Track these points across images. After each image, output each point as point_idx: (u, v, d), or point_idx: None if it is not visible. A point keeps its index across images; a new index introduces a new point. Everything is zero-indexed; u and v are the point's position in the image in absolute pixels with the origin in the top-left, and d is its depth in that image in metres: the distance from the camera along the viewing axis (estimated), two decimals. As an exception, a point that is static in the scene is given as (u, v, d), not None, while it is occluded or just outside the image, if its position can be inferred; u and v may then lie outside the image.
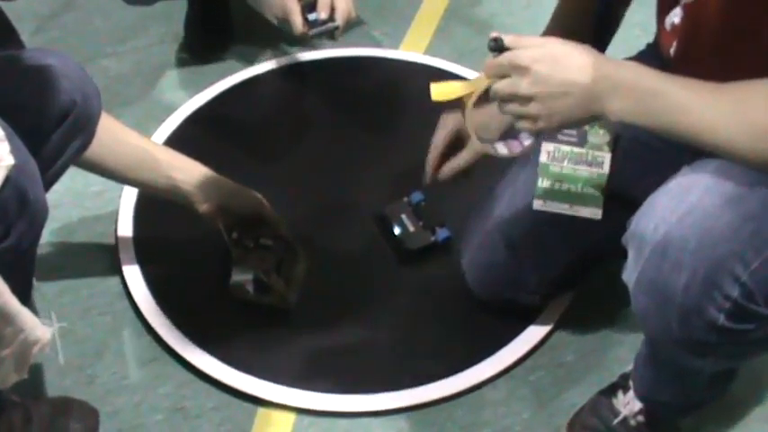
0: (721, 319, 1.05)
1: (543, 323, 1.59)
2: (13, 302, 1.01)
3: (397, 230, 1.67)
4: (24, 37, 1.37)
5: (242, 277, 1.54)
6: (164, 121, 1.93)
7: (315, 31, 1.78)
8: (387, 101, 2.03)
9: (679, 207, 1.05)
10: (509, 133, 1.26)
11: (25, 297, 1.18)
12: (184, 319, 1.57)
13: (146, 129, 1.87)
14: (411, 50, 2.17)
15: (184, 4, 2.14)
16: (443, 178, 1.48)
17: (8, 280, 1.01)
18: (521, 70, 1.07)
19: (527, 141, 1.24)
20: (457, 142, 1.48)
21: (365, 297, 1.64)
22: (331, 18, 1.74)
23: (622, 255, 1.50)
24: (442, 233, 1.67)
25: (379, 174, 1.84)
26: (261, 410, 1.48)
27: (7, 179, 0.99)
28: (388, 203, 1.72)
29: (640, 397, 1.37)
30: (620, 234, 1.36)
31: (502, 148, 1.26)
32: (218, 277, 1.58)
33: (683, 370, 1.25)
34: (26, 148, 1.05)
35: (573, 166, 1.41)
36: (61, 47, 2.11)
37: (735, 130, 1.01)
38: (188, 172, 1.53)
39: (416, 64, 2.13)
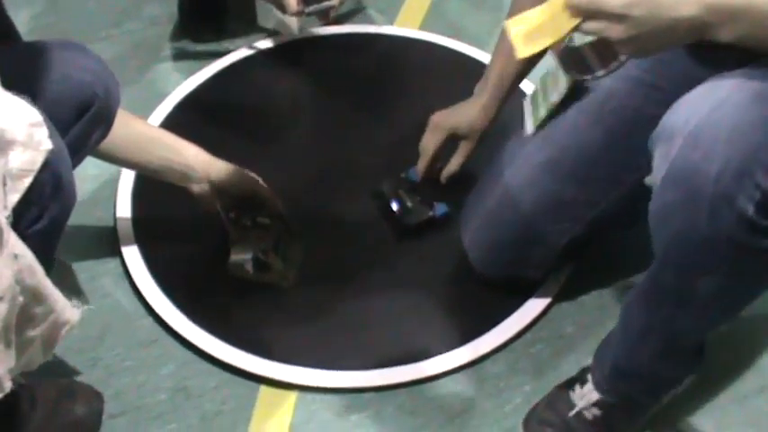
0: (751, 210, 1.01)
1: (542, 296, 1.60)
2: (47, 283, 1.01)
3: (394, 206, 1.67)
4: (18, 21, 1.36)
5: (241, 256, 1.54)
6: (159, 103, 1.93)
7: (310, 9, 1.77)
8: (382, 77, 2.03)
9: (709, 101, 1.03)
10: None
11: None
12: (185, 299, 1.57)
13: (142, 111, 1.87)
14: (405, 26, 2.17)
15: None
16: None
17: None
18: (614, 17, 1.02)
19: (623, 57, 1.21)
20: (448, 143, 1.49)
21: (364, 273, 1.64)
22: None
23: (626, 226, 1.51)
24: (439, 208, 1.68)
25: (376, 150, 1.84)
26: (263, 388, 1.48)
27: (46, 163, 1.00)
28: (386, 179, 1.72)
29: (605, 379, 1.35)
30: (625, 204, 1.35)
31: (599, 71, 1.23)
32: (217, 257, 1.58)
33: (678, 303, 1.19)
34: (55, 130, 1.05)
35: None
36: (55, 31, 2.11)
37: None
38: (183, 153, 1.53)
39: (411, 39, 2.12)
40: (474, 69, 2.00)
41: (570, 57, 1.30)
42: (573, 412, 1.38)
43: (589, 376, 1.38)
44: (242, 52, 2.07)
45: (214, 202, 1.56)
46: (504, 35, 1.55)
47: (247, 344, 1.51)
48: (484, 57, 2.05)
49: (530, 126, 1.49)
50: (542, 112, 1.47)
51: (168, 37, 2.13)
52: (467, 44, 2.10)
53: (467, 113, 1.60)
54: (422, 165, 1.64)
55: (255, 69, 2.05)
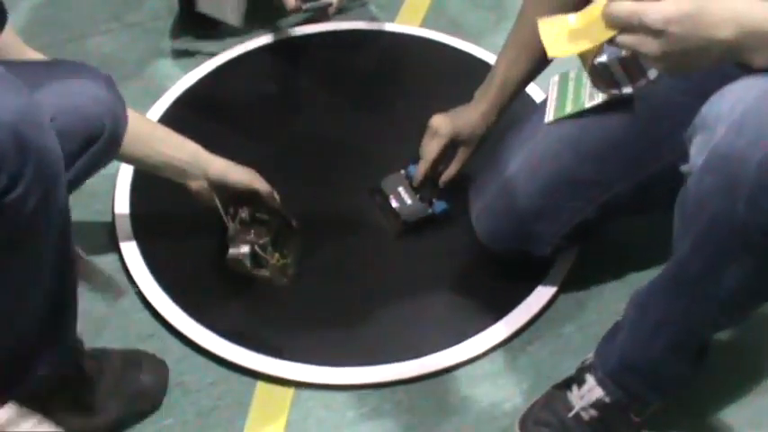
0: None
1: (541, 294, 1.60)
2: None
3: (393, 203, 1.67)
4: (18, 12, 1.36)
5: (238, 251, 1.53)
6: (159, 97, 1.93)
7: (308, 5, 1.77)
8: (382, 74, 2.03)
9: (754, 91, 1.03)
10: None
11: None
12: (182, 293, 1.57)
13: (141, 106, 1.86)
14: (406, 23, 2.16)
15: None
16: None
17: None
18: (651, 32, 1.02)
19: (652, 75, 1.21)
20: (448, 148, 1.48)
21: (362, 270, 1.64)
22: None
23: (635, 212, 1.50)
24: (438, 205, 1.67)
25: (376, 146, 1.84)
26: (260, 384, 1.48)
27: None
28: (385, 176, 1.71)
29: (610, 374, 1.35)
30: (640, 191, 1.33)
31: (627, 88, 1.22)
32: (215, 252, 1.58)
33: (701, 294, 1.19)
34: (27, 92, 1.03)
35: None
36: (54, 25, 2.10)
37: None
38: (182, 149, 1.53)
39: (412, 37, 2.12)
40: (474, 66, 2.01)
41: (599, 71, 1.30)
42: (572, 414, 1.37)
43: (587, 376, 1.37)
44: (241, 48, 2.07)
45: (212, 200, 1.55)
46: (509, 41, 1.55)
47: (245, 339, 1.51)
48: (483, 54, 2.05)
49: (551, 114, 1.49)
50: (568, 109, 1.46)
51: (168, 31, 2.13)
52: (466, 41, 2.10)
53: (467, 119, 1.59)
54: (422, 170, 1.64)
55: (255, 65, 2.04)
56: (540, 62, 1.53)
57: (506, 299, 1.59)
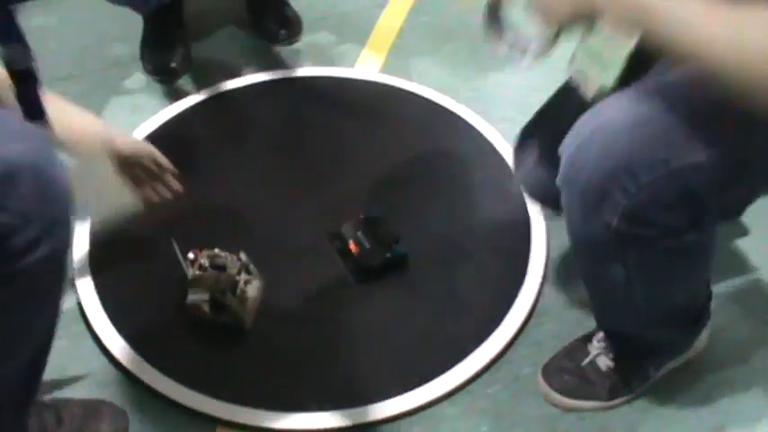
0: (615, 221, 1.16)
1: (500, 337, 1.61)
2: None
3: (353, 248, 1.68)
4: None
5: (198, 297, 1.54)
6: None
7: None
8: (341, 119, 2.04)
9: (592, 123, 1.16)
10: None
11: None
12: (141, 340, 1.56)
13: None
14: (366, 68, 2.19)
15: (141, 26, 2.15)
16: None
17: None
18: None
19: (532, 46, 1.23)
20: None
21: (322, 315, 1.64)
22: None
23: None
24: (397, 249, 1.68)
25: (335, 191, 1.85)
26: (219, 430, 1.48)
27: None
28: (345, 221, 1.73)
29: (605, 330, 1.50)
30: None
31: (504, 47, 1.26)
32: (174, 298, 1.58)
33: (606, 281, 1.31)
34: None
35: None
36: (16, 71, 2.10)
37: (727, 50, 1.01)
38: (96, 122, 1.48)
39: (372, 83, 2.15)
40: (435, 112, 2.04)
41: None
42: (587, 360, 1.50)
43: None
44: (203, 94, 2.08)
45: (126, 173, 1.54)
46: None
47: (204, 385, 1.51)
48: (444, 100, 2.08)
49: (591, 90, 1.43)
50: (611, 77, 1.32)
51: (130, 77, 2.14)
52: (426, 87, 2.12)
53: None
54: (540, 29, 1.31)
55: (217, 111, 2.06)
56: None
57: (465, 341, 1.60)
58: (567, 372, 1.52)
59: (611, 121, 1.14)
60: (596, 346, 1.51)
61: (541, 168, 1.52)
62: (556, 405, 1.52)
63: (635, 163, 1.12)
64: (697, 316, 1.50)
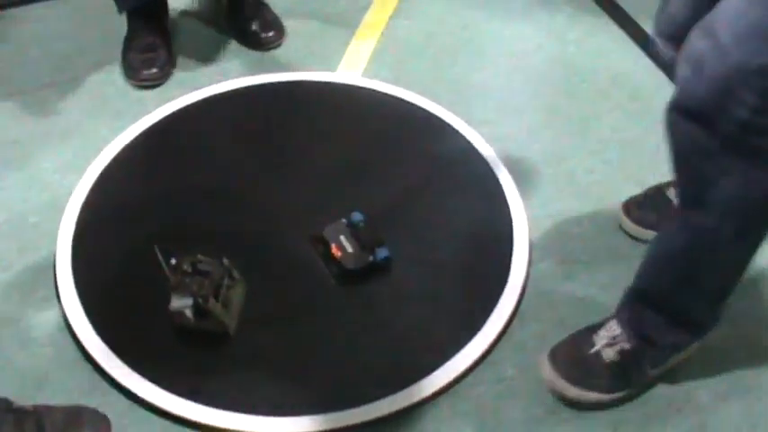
0: (746, 114, 1.11)
1: (483, 339, 1.61)
2: None
3: (335, 252, 1.68)
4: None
5: (181, 303, 1.54)
6: (101, 151, 1.93)
7: None
8: (324, 124, 2.04)
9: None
10: None
11: None
12: (125, 347, 1.56)
13: (84, 159, 1.88)
14: (348, 73, 2.19)
15: (123, 32, 2.15)
16: None
17: None
18: None
19: None
20: None
21: (305, 319, 1.64)
22: None
23: None
24: (380, 253, 1.69)
25: (318, 195, 1.85)
26: (203, 436, 1.48)
27: None
28: (327, 224, 1.73)
29: (626, 321, 1.49)
30: None
31: None
32: (157, 304, 1.58)
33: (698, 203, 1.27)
34: None
35: None
36: (-1, 78, 2.11)
37: None
38: None
39: (354, 87, 2.15)
40: (416, 115, 2.04)
41: None
42: (593, 350, 1.50)
43: (612, 321, 1.51)
44: (184, 99, 2.08)
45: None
46: None
47: (188, 391, 1.51)
48: (425, 103, 2.08)
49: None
50: None
51: (112, 83, 2.14)
52: (408, 90, 2.13)
53: None
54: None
55: (197, 117, 2.06)
56: None
57: (449, 344, 1.60)
58: (573, 360, 1.52)
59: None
60: (602, 335, 1.51)
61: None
62: (559, 392, 1.52)
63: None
64: (710, 318, 1.48)
